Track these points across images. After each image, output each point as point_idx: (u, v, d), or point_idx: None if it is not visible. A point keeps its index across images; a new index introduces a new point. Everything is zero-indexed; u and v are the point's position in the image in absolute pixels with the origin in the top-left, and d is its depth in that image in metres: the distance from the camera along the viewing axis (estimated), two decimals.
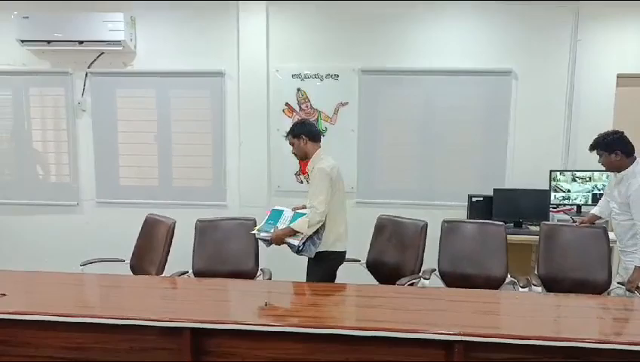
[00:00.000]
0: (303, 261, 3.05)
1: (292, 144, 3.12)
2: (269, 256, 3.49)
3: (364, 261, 3.44)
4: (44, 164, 4.96)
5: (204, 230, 3.36)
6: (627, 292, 2.97)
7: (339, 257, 3.07)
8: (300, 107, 4.52)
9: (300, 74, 4.48)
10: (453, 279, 3.23)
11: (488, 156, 4.45)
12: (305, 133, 3.07)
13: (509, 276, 3.21)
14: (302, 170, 4.54)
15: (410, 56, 4.41)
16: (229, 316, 2.32)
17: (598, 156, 3.09)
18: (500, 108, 4.39)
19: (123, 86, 4.69)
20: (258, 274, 3.31)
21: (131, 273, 3.39)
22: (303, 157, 3.15)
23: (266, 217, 3.05)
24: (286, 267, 3.18)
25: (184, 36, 4.58)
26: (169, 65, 4.59)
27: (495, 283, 3.14)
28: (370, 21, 4.40)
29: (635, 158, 3.00)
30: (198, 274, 3.25)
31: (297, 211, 2.99)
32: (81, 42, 4.38)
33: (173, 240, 3.20)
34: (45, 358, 2.19)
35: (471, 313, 2.31)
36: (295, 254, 2.91)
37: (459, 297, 2.58)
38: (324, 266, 2.99)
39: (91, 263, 3.36)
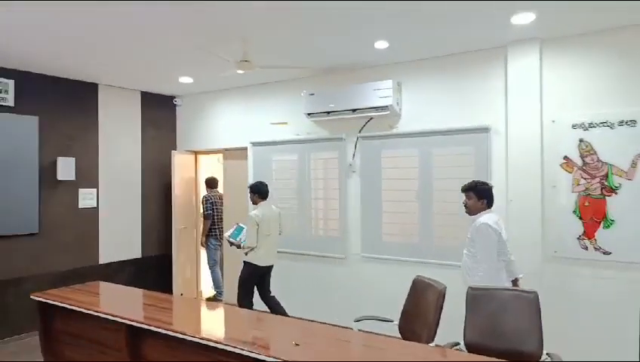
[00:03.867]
0: None
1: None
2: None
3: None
4: (318, 219, 5.59)
5: (477, 299, 3.09)
6: None
7: (256, 267, 4.78)
8: (584, 160, 3.90)
9: (582, 123, 3.90)
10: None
11: None
12: None
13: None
14: (587, 233, 3.86)
15: None
16: None
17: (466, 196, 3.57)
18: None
19: (388, 147, 4.96)
20: (543, 357, 2.84)
21: (398, 333, 3.37)
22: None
23: (233, 228, 5.00)
24: None
25: (447, 95, 4.59)
26: (432, 124, 4.65)
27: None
28: None
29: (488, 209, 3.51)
30: (471, 347, 2.98)
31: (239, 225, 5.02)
32: (354, 110, 4.85)
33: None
34: None
35: None
36: None
37: None
38: (247, 269, 4.80)
39: (364, 320, 3.46)
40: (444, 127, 4.57)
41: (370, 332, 3.32)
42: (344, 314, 4.81)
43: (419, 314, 3.21)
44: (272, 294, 5.03)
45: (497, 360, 2.40)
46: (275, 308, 4.89)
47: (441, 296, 3.07)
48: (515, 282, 3.57)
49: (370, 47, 4.33)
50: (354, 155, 5.15)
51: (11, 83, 4.96)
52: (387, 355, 2.55)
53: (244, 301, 4.82)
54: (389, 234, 4.97)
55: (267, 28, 3.79)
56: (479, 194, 3.52)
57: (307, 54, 4.59)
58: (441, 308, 3.05)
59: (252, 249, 4.74)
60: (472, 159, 4.48)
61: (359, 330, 3.33)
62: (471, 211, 3.56)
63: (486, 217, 3.45)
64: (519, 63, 4.15)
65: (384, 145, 4.98)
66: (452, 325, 3.14)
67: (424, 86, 4.73)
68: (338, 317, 4.85)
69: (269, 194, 4.94)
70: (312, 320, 4.35)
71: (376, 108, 4.71)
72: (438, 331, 3.03)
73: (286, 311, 4.89)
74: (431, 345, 2.92)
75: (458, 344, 3.02)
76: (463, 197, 3.62)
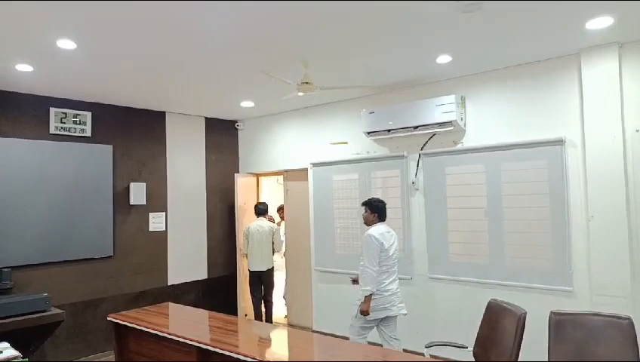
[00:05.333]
0: None
1: None
2: None
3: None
4: None
5: (562, 325, 2.85)
6: None
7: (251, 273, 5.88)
8: None
9: None
10: None
11: None
12: None
13: None
14: None
15: None
16: None
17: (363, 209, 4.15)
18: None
19: (452, 163, 4.78)
20: None
21: (473, 359, 3.17)
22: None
23: None
24: None
25: (516, 106, 4.38)
26: (500, 138, 4.44)
27: None
28: None
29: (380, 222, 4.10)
30: None
31: None
32: (415, 127, 4.73)
33: None
34: None
35: None
36: None
37: None
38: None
39: (436, 346, 3.30)
40: (513, 141, 4.34)
41: (445, 359, 3.14)
42: (412, 337, 4.62)
43: (496, 340, 3.00)
44: (267, 299, 6.00)
45: None
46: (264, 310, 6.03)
47: (521, 321, 2.85)
48: None
49: (432, 62, 4.23)
50: (416, 173, 5.01)
51: (89, 115, 5.31)
52: None
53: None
54: (457, 254, 4.76)
55: (327, 49, 3.81)
56: (372, 209, 4.11)
57: (367, 73, 4.56)
58: (522, 334, 2.84)
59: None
60: (545, 173, 4.21)
61: (431, 356, 3.16)
62: (366, 222, 4.14)
63: (374, 229, 4.03)
64: (595, 70, 3.88)
65: (448, 162, 4.81)
66: (531, 351, 2.91)
67: (490, 99, 4.54)
68: (405, 340, 4.66)
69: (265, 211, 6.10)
70: (379, 344, 4.23)
71: (439, 124, 4.57)
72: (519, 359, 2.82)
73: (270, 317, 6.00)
74: None
75: None
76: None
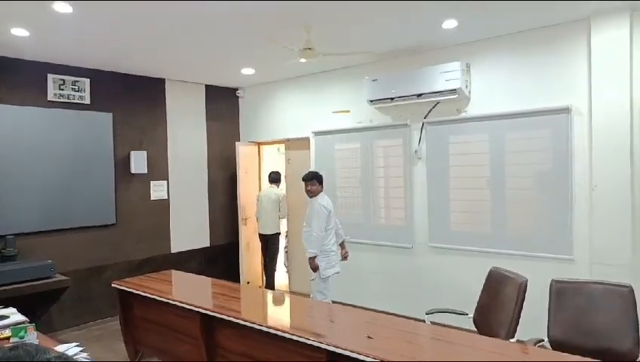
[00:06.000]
0: None
1: None
2: None
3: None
4: (383, 207, 5.47)
5: (562, 292, 2.87)
6: None
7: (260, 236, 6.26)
8: None
9: None
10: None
11: None
12: None
13: None
14: None
15: None
16: None
17: (307, 183, 4.51)
18: None
19: (456, 132, 4.73)
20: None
21: (473, 326, 3.22)
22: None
23: None
24: None
25: (521, 75, 4.30)
26: (504, 106, 4.38)
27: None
28: None
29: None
30: (555, 344, 2.78)
31: None
32: (419, 95, 4.66)
33: None
34: None
35: None
36: None
37: None
38: None
39: (436, 312, 3.34)
40: (518, 110, 4.28)
41: (444, 326, 3.18)
42: (412, 304, 4.69)
43: (497, 307, 3.04)
44: (267, 264, 6.28)
45: (588, 359, 2.20)
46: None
47: (522, 289, 2.88)
48: (342, 244, 4.70)
49: (437, 27, 4.12)
50: (419, 142, 4.97)
51: (87, 81, 5.23)
52: (468, 351, 2.42)
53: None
54: (458, 223, 4.77)
55: (329, 13, 3.70)
56: (320, 181, 4.53)
57: (370, 39, 4.46)
58: (522, 302, 2.87)
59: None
60: (549, 142, 4.17)
61: (431, 323, 3.21)
62: (314, 194, 4.48)
63: (321, 198, 4.46)
64: (605, 37, 3.78)
65: (452, 131, 4.76)
66: (533, 320, 2.95)
67: (495, 66, 4.45)
68: (406, 307, 4.74)
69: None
70: (380, 311, 4.30)
71: (443, 92, 4.50)
72: (518, 326, 2.86)
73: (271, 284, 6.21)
74: (512, 340, 2.75)
75: (542, 341, 2.82)
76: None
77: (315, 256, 4.34)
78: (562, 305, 2.82)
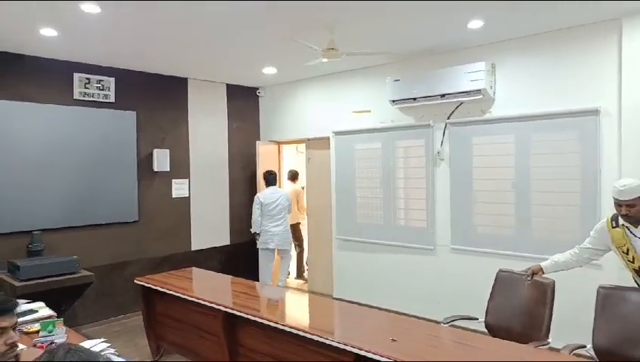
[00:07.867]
0: None
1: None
2: None
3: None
4: (403, 209, 5.42)
5: (609, 298, 2.78)
6: None
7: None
8: None
9: None
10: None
11: None
12: None
13: None
14: None
15: None
16: None
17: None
18: None
19: (480, 133, 4.67)
20: None
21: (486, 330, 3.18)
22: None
23: None
24: None
25: (548, 75, 4.21)
26: (530, 108, 4.30)
27: None
28: None
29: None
30: (601, 353, 2.70)
31: None
32: (442, 95, 4.61)
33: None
34: None
35: None
36: None
37: None
38: None
39: (450, 322, 3.27)
40: (545, 111, 4.20)
41: (462, 328, 3.13)
42: (434, 307, 4.65)
43: (520, 310, 2.99)
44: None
45: None
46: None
47: (551, 290, 2.84)
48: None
49: (463, 27, 4.07)
50: (442, 143, 4.91)
51: (112, 80, 5.31)
52: (493, 357, 2.38)
53: None
54: (482, 225, 4.71)
55: (352, 14, 3.68)
56: (264, 179, 5.81)
57: (393, 39, 4.42)
58: (552, 303, 2.82)
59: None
60: (576, 144, 4.08)
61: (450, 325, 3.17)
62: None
63: (260, 192, 5.81)
64: (637, 37, 3.68)
65: (476, 132, 4.70)
66: (563, 325, 2.89)
67: (521, 66, 4.38)
68: (427, 310, 4.69)
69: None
70: (401, 313, 4.27)
71: (467, 93, 4.44)
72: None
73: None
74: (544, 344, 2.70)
75: (584, 346, 2.75)
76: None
77: (256, 233, 5.73)
78: (608, 312, 2.73)
